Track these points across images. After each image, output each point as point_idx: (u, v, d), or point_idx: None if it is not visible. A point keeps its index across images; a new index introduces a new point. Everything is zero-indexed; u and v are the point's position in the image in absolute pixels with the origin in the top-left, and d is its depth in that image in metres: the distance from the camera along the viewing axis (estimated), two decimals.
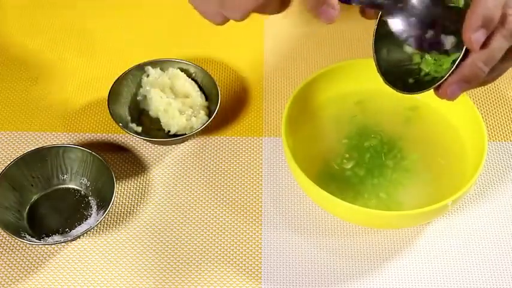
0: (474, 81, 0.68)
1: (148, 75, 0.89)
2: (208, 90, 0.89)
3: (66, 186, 0.83)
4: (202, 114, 0.86)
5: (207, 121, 0.85)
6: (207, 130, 0.88)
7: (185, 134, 0.85)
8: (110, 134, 0.89)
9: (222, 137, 0.89)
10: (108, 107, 0.85)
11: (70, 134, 0.89)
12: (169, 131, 0.86)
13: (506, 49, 0.68)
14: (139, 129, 0.86)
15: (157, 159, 0.86)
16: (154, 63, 0.89)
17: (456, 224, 0.82)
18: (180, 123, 0.85)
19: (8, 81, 0.94)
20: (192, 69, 0.90)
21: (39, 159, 0.82)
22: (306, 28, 1.00)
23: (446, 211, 0.77)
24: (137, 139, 0.88)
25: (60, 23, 1.00)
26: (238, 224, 0.81)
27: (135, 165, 0.86)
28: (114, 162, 0.86)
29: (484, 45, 0.66)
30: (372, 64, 0.87)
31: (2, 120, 0.90)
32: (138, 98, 0.89)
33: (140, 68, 0.89)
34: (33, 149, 0.82)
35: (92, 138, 0.88)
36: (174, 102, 0.86)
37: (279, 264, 0.78)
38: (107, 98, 0.86)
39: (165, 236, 0.80)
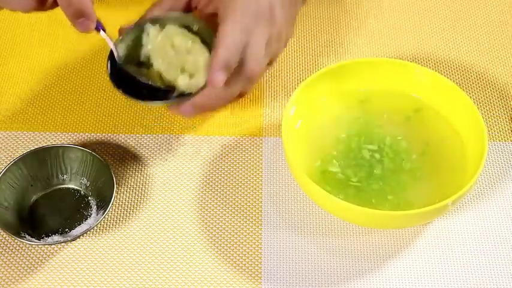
0: (206, 109, 0.81)
1: (148, 34, 0.82)
2: (210, 46, 0.81)
3: (66, 186, 0.83)
4: (203, 76, 0.79)
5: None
6: (206, 130, 0.89)
7: (191, 94, 0.80)
8: (110, 134, 0.89)
9: (222, 137, 0.89)
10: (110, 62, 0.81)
11: (70, 134, 0.89)
12: (173, 91, 0.81)
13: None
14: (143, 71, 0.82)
15: (157, 159, 0.86)
16: (153, 21, 0.82)
17: (456, 224, 0.82)
18: (184, 81, 0.80)
19: (8, 81, 0.94)
20: (193, 25, 0.82)
21: (39, 159, 0.82)
22: (306, 28, 1.00)
23: (446, 211, 0.77)
24: (137, 139, 0.88)
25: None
26: (238, 224, 0.81)
27: (135, 165, 0.86)
28: (114, 162, 0.86)
29: (226, 83, 0.77)
30: (373, 64, 0.87)
31: (2, 120, 0.90)
32: (142, 59, 0.83)
33: (139, 27, 0.82)
34: (33, 149, 0.82)
35: (92, 138, 0.88)
36: (176, 59, 0.81)
37: (279, 264, 0.78)
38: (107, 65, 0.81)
39: (165, 236, 0.80)
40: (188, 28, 0.82)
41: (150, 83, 0.81)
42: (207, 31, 0.81)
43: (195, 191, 0.84)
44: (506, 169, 0.86)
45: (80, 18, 0.75)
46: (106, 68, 0.80)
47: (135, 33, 0.82)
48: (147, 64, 0.82)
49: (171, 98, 0.79)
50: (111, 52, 0.81)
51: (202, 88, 0.78)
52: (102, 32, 0.79)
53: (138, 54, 0.82)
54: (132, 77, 0.81)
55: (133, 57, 0.82)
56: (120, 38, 0.82)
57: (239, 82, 0.79)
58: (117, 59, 0.80)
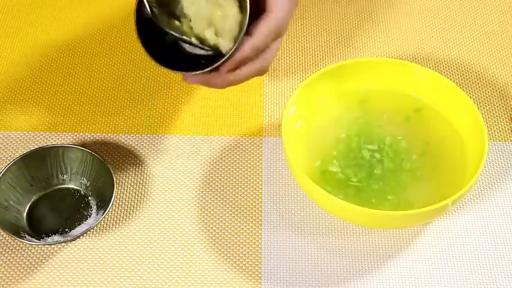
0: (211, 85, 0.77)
1: None
2: (243, 5, 0.76)
3: (66, 186, 0.83)
4: (228, 40, 0.76)
5: (232, 48, 0.74)
6: (206, 130, 0.89)
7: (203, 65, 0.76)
8: (110, 134, 0.89)
9: (222, 137, 0.89)
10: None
11: (70, 134, 0.89)
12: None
13: None
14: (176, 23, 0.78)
15: (157, 159, 0.86)
16: None
17: (456, 224, 0.82)
18: (212, 36, 0.76)
19: (8, 81, 0.94)
20: None
21: (39, 159, 0.82)
22: (307, 28, 1.00)
23: (446, 211, 0.77)
24: (137, 139, 0.88)
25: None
26: (238, 224, 0.81)
27: (135, 166, 0.86)
28: (114, 162, 0.86)
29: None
30: (373, 64, 0.87)
31: (2, 120, 0.90)
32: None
33: None
34: (33, 149, 0.82)
35: (92, 138, 0.88)
36: (206, 8, 0.76)
37: (279, 264, 0.78)
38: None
39: (165, 236, 0.80)
40: None
41: (178, 35, 0.77)
42: None
43: (195, 191, 0.84)
44: (506, 169, 0.86)
45: None
46: (134, 22, 0.76)
47: None
48: (176, 5, 0.78)
49: (199, 69, 0.75)
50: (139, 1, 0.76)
51: (229, 58, 0.73)
52: None
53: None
54: (160, 29, 0.77)
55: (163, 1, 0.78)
56: None
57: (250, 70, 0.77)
58: (147, 8, 0.76)
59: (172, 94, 0.92)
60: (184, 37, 0.77)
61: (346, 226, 0.81)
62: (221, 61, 0.73)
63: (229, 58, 0.73)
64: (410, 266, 0.78)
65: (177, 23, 0.77)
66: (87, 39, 0.99)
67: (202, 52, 0.78)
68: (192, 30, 0.77)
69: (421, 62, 0.96)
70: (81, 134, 0.89)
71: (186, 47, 0.78)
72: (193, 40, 0.77)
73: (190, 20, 0.77)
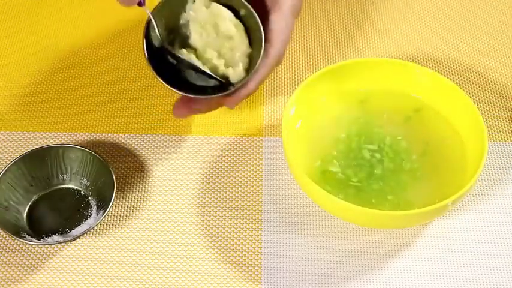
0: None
1: (194, 1, 0.79)
2: (252, 37, 0.79)
3: (66, 186, 0.83)
4: (241, 69, 0.78)
5: (242, 80, 0.77)
6: (206, 130, 0.89)
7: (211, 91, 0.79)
8: (110, 134, 0.89)
9: (222, 137, 0.89)
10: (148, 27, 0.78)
11: (70, 134, 0.89)
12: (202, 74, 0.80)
13: None
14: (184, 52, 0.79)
15: (157, 159, 0.86)
16: None
17: (456, 224, 0.82)
18: (221, 65, 0.78)
19: (8, 81, 0.94)
20: (240, 8, 0.79)
21: (39, 159, 0.82)
22: (307, 28, 1.00)
23: (446, 211, 0.77)
24: (137, 139, 0.88)
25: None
26: (238, 224, 0.81)
27: (135, 165, 0.86)
28: (114, 162, 0.86)
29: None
30: (373, 64, 0.87)
31: (2, 120, 0.90)
32: (181, 22, 0.80)
33: None
34: (33, 149, 0.82)
35: (92, 138, 0.88)
36: (215, 41, 0.78)
37: (279, 264, 0.78)
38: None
39: (165, 236, 0.80)
40: (233, 10, 0.79)
41: (185, 57, 0.78)
42: (252, 18, 0.78)
43: (195, 191, 0.84)
44: (506, 169, 0.86)
45: None
46: (142, 42, 0.78)
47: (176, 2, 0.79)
48: (183, 34, 0.80)
49: (207, 93, 0.78)
50: (148, 24, 0.78)
51: (240, 87, 0.77)
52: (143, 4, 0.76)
53: (177, 22, 0.79)
54: (167, 55, 0.79)
55: (170, 25, 0.79)
56: (160, 5, 0.78)
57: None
58: (157, 33, 0.77)
59: (172, 94, 0.92)
60: (194, 62, 0.79)
61: (346, 226, 0.81)
62: (231, 90, 0.77)
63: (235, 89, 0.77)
64: (410, 266, 0.78)
65: (185, 50, 0.79)
66: (87, 39, 0.99)
67: (203, 83, 0.80)
68: (201, 58, 0.79)
69: (421, 62, 0.96)
70: (81, 134, 0.89)
71: (192, 75, 0.80)
72: (202, 66, 0.79)
73: (195, 50, 0.79)
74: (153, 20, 0.77)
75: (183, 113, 0.80)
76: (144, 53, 0.77)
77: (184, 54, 0.79)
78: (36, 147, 0.84)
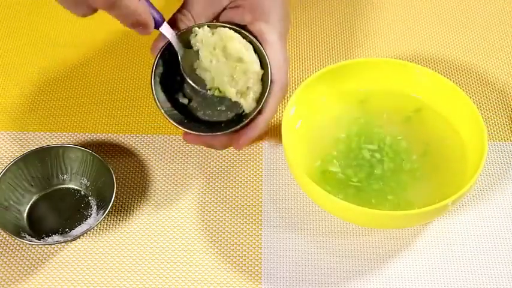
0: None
1: (196, 35, 0.79)
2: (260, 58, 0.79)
3: (66, 186, 0.83)
4: (251, 97, 0.78)
5: (257, 108, 0.77)
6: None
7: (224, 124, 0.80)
8: (110, 134, 0.89)
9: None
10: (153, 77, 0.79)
11: (70, 134, 0.89)
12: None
13: None
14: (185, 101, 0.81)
15: (157, 159, 0.86)
16: (201, 25, 0.79)
17: (456, 224, 0.82)
18: (234, 94, 0.78)
19: (9, 81, 0.94)
20: (245, 34, 0.79)
21: (39, 159, 0.82)
22: (307, 28, 1.00)
23: (446, 211, 0.77)
24: (137, 139, 0.88)
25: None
26: (238, 224, 0.81)
27: (135, 165, 0.86)
28: (114, 162, 0.86)
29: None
30: (373, 64, 0.87)
31: (2, 120, 0.90)
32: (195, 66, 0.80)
33: (186, 33, 0.79)
34: (33, 149, 0.82)
35: (92, 138, 0.88)
36: (226, 64, 0.78)
37: (279, 264, 0.78)
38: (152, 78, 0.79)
39: (165, 236, 0.80)
40: (240, 33, 0.79)
41: (199, 88, 0.79)
42: (259, 50, 0.78)
43: (195, 191, 0.84)
44: (506, 169, 0.86)
45: (138, 27, 0.73)
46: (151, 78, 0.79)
47: (180, 39, 0.79)
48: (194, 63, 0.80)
49: (221, 130, 0.78)
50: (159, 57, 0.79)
51: (253, 119, 0.77)
52: (164, 28, 0.77)
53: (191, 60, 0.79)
54: (176, 86, 0.81)
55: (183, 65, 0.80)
56: (164, 47, 0.79)
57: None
58: (180, 60, 0.78)
59: None
60: (207, 90, 0.79)
61: (346, 226, 0.81)
62: (243, 123, 0.77)
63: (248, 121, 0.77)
64: (410, 266, 0.78)
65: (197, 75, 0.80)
66: (87, 39, 0.99)
67: (206, 118, 0.81)
68: (213, 84, 0.79)
69: (421, 62, 0.96)
70: (81, 134, 0.89)
71: (200, 114, 0.81)
72: (216, 92, 0.79)
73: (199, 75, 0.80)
74: (179, 54, 0.78)
75: (192, 140, 0.81)
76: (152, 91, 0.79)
77: (195, 80, 0.79)
78: (36, 147, 0.84)
